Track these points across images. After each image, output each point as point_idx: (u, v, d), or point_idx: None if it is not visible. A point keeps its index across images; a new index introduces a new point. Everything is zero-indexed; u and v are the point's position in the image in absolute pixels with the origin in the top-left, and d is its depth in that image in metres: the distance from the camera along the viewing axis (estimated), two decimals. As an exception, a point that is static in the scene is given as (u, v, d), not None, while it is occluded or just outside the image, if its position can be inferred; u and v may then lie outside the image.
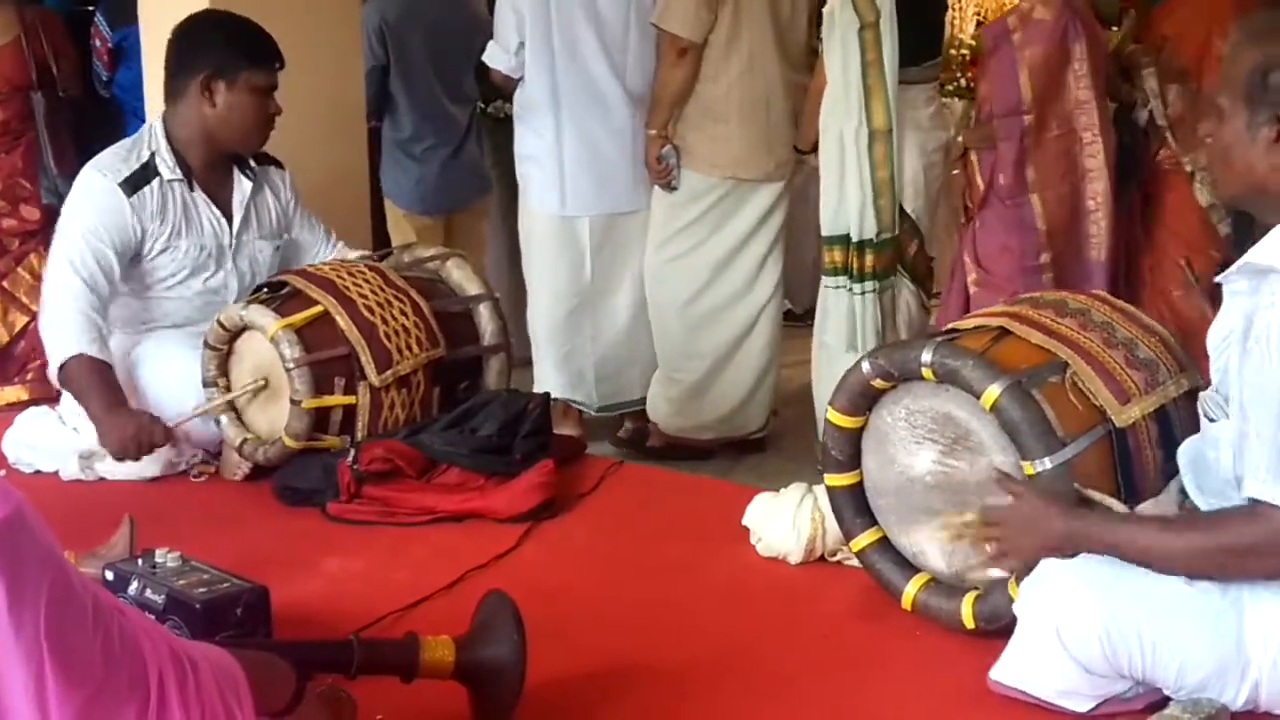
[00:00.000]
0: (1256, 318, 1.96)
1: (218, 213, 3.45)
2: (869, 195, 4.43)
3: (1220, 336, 2.13)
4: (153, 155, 3.38)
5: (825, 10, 4.52)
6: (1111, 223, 4.43)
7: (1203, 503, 2.17)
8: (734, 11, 4.57)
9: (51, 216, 4.96)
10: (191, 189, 3.41)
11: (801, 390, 5.03)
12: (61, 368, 3.22)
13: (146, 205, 3.34)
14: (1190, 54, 4.38)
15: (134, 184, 3.33)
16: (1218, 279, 2.16)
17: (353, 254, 3.65)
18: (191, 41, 3.40)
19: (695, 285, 4.75)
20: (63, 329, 3.24)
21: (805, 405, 4.82)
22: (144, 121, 5.01)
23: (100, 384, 3.19)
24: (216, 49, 3.34)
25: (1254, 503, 1.95)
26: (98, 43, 5.42)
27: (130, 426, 3.14)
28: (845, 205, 4.47)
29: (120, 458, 3.17)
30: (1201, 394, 2.21)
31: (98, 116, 5.43)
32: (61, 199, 4.92)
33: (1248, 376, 1.98)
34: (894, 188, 4.48)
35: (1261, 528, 1.94)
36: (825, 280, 4.58)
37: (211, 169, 3.45)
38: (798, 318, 6.57)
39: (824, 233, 4.55)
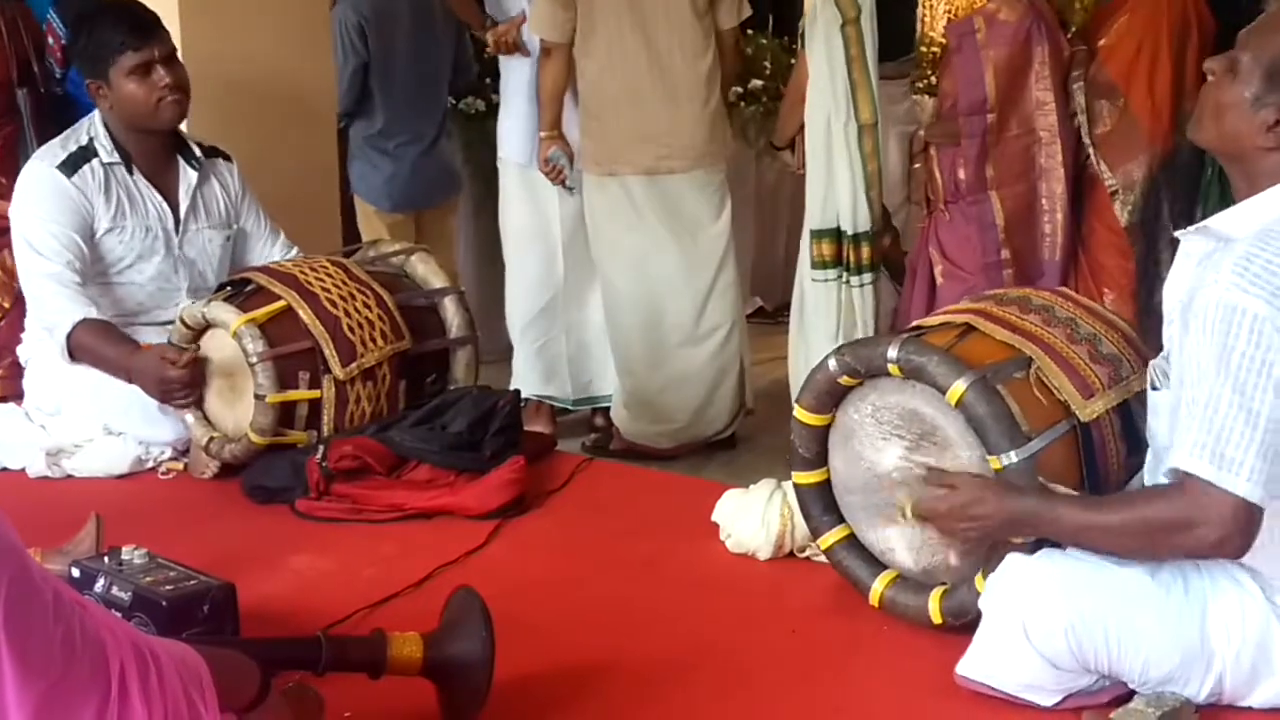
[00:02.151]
0: (1197, 295, 1.97)
1: (160, 198, 3.46)
2: (860, 188, 4.45)
3: (1172, 301, 2.12)
4: (91, 140, 3.41)
5: (807, 7, 4.52)
6: (1066, 223, 4.47)
7: (1149, 478, 2.20)
8: (586, 10, 4.53)
9: None
10: (131, 173, 3.42)
11: (773, 386, 5.04)
12: (68, 342, 3.22)
13: (89, 182, 3.37)
14: (1118, 70, 4.41)
15: (73, 164, 3.36)
16: (1177, 233, 2.15)
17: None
18: (75, 50, 3.47)
19: (624, 284, 4.71)
20: (55, 309, 3.26)
21: (777, 402, 4.82)
22: None
23: (111, 340, 3.20)
24: (86, 53, 3.40)
25: (1179, 474, 1.96)
26: (51, 40, 5.37)
27: (154, 366, 3.13)
28: (834, 198, 4.48)
29: (166, 399, 3.16)
30: (1151, 362, 2.20)
31: (71, 113, 5.41)
32: None
33: (1186, 352, 1.99)
34: (882, 180, 4.52)
35: (1187, 501, 1.95)
36: (813, 274, 4.56)
37: (151, 156, 3.47)
38: (769, 315, 6.59)
39: (812, 226, 4.55)
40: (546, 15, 4.54)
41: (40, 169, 3.38)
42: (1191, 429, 1.94)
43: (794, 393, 4.60)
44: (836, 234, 4.50)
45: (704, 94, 4.66)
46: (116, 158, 3.41)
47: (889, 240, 4.67)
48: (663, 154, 4.62)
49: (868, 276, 4.52)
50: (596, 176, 4.65)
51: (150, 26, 3.38)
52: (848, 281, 4.51)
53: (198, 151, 3.54)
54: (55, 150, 3.41)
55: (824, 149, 4.48)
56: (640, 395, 4.75)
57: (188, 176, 3.51)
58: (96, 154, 3.39)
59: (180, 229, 3.49)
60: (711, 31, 4.67)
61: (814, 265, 4.55)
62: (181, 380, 3.13)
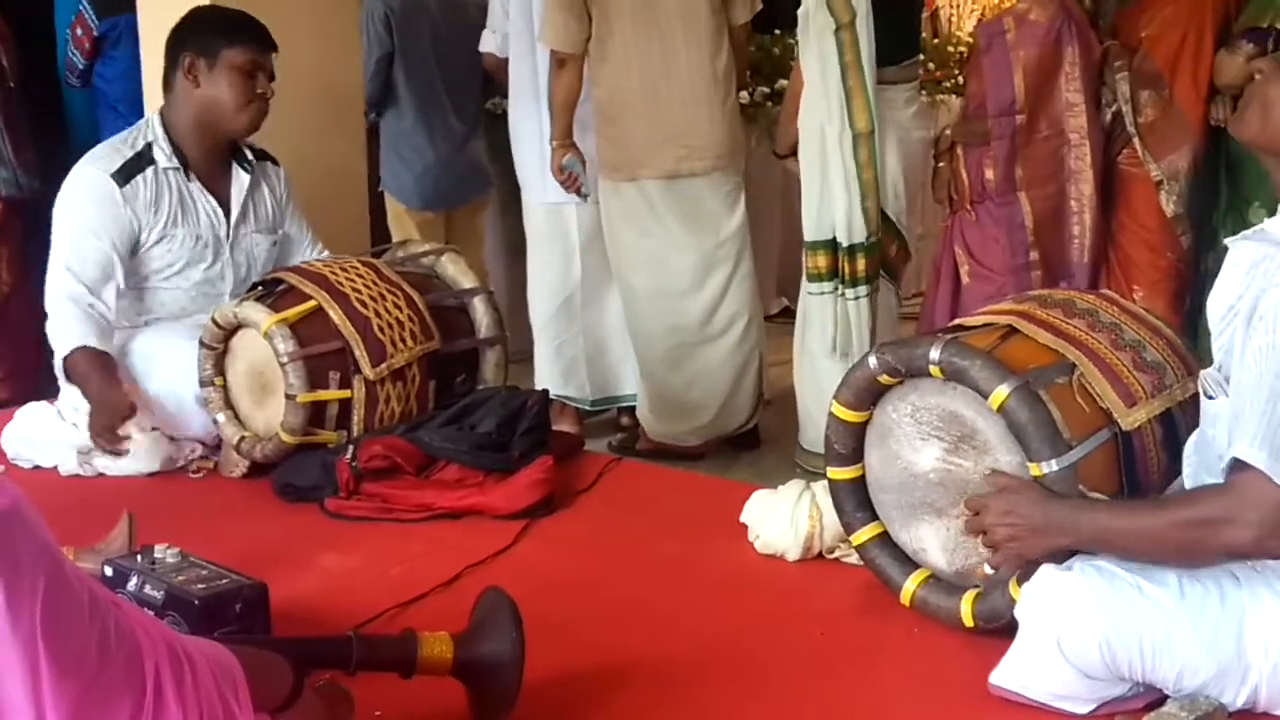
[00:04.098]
0: (1262, 298, 1.96)
1: (214, 204, 3.47)
2: (855, 198, 4.39)
3: (1220, 310, 2.11)
4: (149, 145, 3.41)
5: (800, 11, 4.47)
6: (1095, 225, 4.45)
7: (1191, 483, 2.18)
8: (600, 16, 4.48)
9: (10, 208, 4.97)
10: (188, 179, 3.43)
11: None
12: (65, 363, 3.24)
13: (140, 194, 3.36)
14: (1164, 58, 4.40)
15: (127, 173, 3.36)
16: (1226, 240, 2.15)
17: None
18: (179, 31, 3.45)
19: (643, 287, 4.69)
20: (64, 327, 3.27)
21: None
22: (123, 115, 5.04)
23: (96, 373, 3.21)
24: (198, 33, 3.41)
25: (1235, 463, 1.95)
26: (79, 31, 5.36)
27: (105, 412, 3.16)
28: (830, 209, 4.43)
29: (101, 446, 3.19)
30: (1203, 372, 2.18)
31: (59, 109, 5.43)
32: (22, 190, 4.95)
33: (1249, 355, 1.98)
34: (878, 189, 4.44)
35: (1231, 497, 1.94)
36: (808, 286, 4.53)
37: (209, 160, 3.47)
38: (795, 316, 6.57)
39: (807, 238, 4.50)
40: (559, 26, 4.47)
41: (94, 175, 3.36)
42: (1250, 421, 1.93)
43: (799, 401, 4.64)
44: (832, 245, 4.45)
45: (722, 92, 4.61)
46: (175, 162, 3.41)
47: (895, 247, 4.63)
48: (683, 155, 4.57)
49: (863, 289, 4.45)
50: (614, 182, 4.62)
51: (270, 42, 3.44)
52: (843, 294, 4.46)
53: (249, 154, 3.56)
54: (111, 155, 3.40)
55: (818, 158, 4.43)
56: (664, 396, 4.75)
57: (240, 179, 3.52)
58: (153, 160, 3.39)
59: (231, 233, 3.50)
60: (725, 28, 4.61)
61: (809, 278, 4.52)
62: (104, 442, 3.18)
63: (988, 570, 2.31)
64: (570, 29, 4.47)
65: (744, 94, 5.50)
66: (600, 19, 4.48)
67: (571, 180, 4.64)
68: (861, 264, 4.43)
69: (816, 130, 4.42)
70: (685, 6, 4.51)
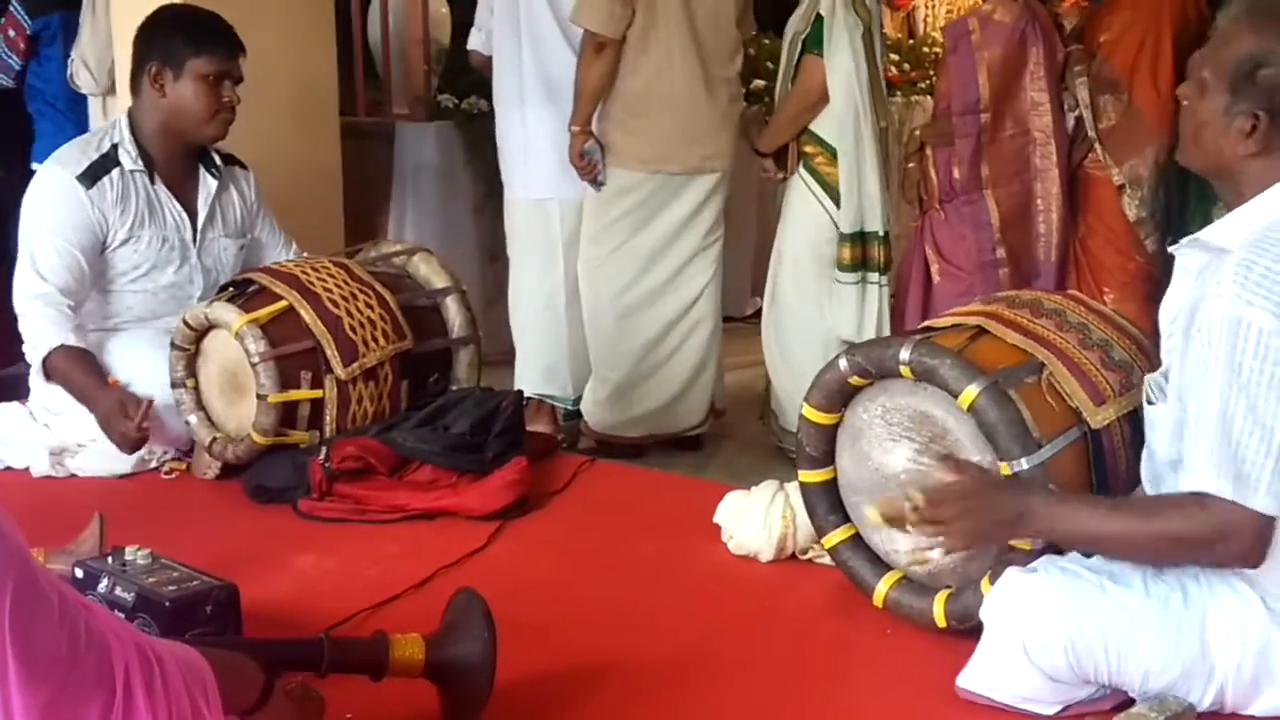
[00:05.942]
0: (1200, 308, 1.97)
1: (179, 207, 3.45)
2: (882, 189, 4.61)
3: (1170, 316, 2.13)
4: (115, 147, 3.38)
5: (823, 10, 4.56)
6: (1061, 223, 4.49)
7: (1149, 489, 2.19)
8: (647, 7, 4.50)
9: None
10: (153, 181, 3.41)
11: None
12: (44, 365, 3.21)
13: (106, 195, 3.33)
14: (1121, 64, 4.43)
15: (93, 175, 3.33)
16: (1171, 249, 2.16)
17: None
18: (146, 34, 3.42)
19: (623, 281, 4.71)
20: (38, 330, 3.24)
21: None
22: (60, 112, 5.03)
23: (82, 370, 3.18)
24: (164, 39, 3.37)
25: (1198, 494, 1.95)
26: (13, 32, 5.33)
27: (113, 412, 3.11)
28: (864, 201, 4.60)
29: (117, 442, 3.12)
30: (1148, 376, 2.20)
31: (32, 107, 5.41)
32: None
33: (1189, 367, 1.99)
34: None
35: (1211, 518, 1.94)
36: (840, 277, 4.64)
37: (174, 163, 3.45)
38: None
39: (845, 230, 4.62)
40: (604, 10, 4.46)
41: (60, 177, 3.33)
42: (1205, 447, 1.93)
43: (775, 383, 4.71)
44: (861, 236, 4.62)
45: (738, 96, 4.80)
46: (140, 165, 3.38)
47: None
48: (707, 154, 4.67)
49: (886, 275, 4.66)
50: (629, 172, 4.64)
51: (238, 46, 3.39)
52: (877, 283, 4.63)
53: (217, 159, 3.54)
54: (77, 157, 3.37)
55: (854, 153, 4.57)
56: (623, 388, 4.76)
57: (207, 184, 3.50)
58: (118, 162, 3.36)
59: (198, 238, 3.48)
60: (740, 40, 4.77)
61: (842, 268, 4.63)
62: (133, 438, 3.10)
63: (931, 555, 2.30)
64: (615, 14, 4.47)
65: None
66: (646, 15, 4.52)
67: (590, 167, 4.64)
68: (886, 251, 4.64)
69: (852, 126, 4.57)
70: (719, 16, 4.63)
